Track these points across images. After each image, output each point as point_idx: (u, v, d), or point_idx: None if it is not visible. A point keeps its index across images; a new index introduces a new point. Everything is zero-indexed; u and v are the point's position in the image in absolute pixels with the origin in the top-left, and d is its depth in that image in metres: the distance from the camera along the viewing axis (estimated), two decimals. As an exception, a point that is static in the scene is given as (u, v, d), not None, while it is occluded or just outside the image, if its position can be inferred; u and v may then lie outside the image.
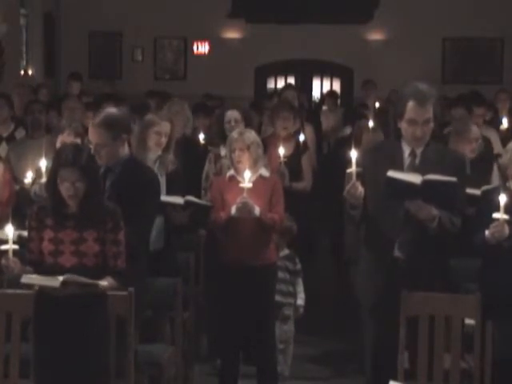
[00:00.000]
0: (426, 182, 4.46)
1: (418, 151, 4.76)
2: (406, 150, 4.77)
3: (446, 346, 4.71)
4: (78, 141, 6.17)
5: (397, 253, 4.71)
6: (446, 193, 4.55)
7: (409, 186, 4.46)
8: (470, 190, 5.51)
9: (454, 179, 4.50)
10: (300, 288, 6.51)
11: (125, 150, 5.17)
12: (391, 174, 4.50)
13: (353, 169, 4.52)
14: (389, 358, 4.78)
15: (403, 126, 4.72)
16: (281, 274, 6.40)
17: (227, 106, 7.09)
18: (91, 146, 5.07)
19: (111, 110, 5.33)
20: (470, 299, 4.75)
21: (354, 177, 4.54)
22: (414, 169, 4.70)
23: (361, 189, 4.58)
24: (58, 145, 6.16)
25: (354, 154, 4.52)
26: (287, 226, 6.48)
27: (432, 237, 4.66)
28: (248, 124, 6.65)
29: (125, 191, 4.89)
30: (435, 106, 4.72)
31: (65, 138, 6.22)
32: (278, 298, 6.36)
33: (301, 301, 6.48)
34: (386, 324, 4.78)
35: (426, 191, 4.48)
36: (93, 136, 5.13)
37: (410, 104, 4.67)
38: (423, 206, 4.55)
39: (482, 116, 8.34)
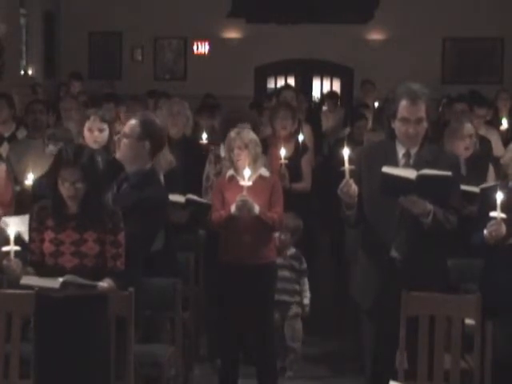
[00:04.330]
0: (420, 177, 4.46)
1: (413, 152, 4.75)
2: (401, 151, 4.77)
3: (446, 346, 4.71)
4: (105, 126, 6.18)
5: (393, 253, 4.71)
6: (440, 188, 4.56)
7: (403, 181, 4.47)
8: (468, 188, 5.53)
9: (448, 173, 4.51)
10: (306, 287, 6.63)
11: (146, 162, 5.17)
12: (386, 169, 4.51)
13: (346, 167, 4.51)
14: (388, 359, 4.79)
15: (396, 125, 4.73)
16: (286, 273, 6.49)
17: (235, 117, 7.01)
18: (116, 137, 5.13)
19: (157, 120, 5.36)
20: (469, 299, 4.74)
21: (347, 175, 4.54)
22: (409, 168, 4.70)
23: (354, 186, 4.57)
24: (86, 132, 6.18)
25: (346, 151, 4.52)
26: (296, 225, 6.54)
27: (429, 237, 4.65)
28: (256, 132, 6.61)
29: (132, 206, 4.90)
30: (428, 106, 4.72)
31: (91, 124, 6.21)
32: (285, 297, 6.47)
33: (307, 300, 6.60)
34: (385, 324, 4.78)
35: (421, 186, 4.48)
36: (127, 125, 5.23)
37: (403, 103, 4.68)
38: (417, 201, 4.55)
39: (484, 117, 8.35)
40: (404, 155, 4.76)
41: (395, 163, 4.72)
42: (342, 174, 4.56)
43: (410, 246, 4.68)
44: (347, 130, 9.62)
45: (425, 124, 4.73)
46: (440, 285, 4.79)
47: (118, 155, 5.20)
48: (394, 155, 4.76)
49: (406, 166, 4.72)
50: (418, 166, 4.62)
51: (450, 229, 4.68)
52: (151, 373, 5.06)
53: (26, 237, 4.85)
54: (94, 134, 6.16)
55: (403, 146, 4.76)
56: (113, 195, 5.04)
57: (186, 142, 7.06)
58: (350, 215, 4.75)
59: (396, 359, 4.77)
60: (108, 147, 6.15)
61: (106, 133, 6.20)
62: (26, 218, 4.98)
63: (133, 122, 5.21)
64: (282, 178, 6.80)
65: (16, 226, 4.75)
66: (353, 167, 4.57)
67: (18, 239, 4.78)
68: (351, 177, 4.55)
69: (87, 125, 6.19)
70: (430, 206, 4.58)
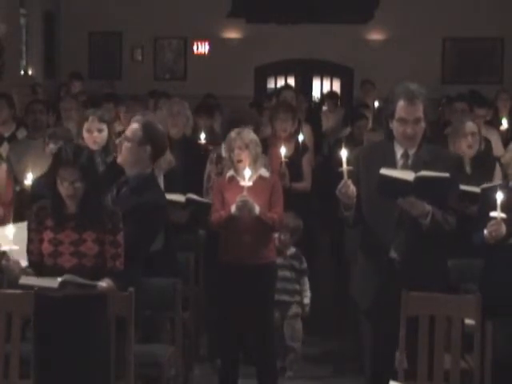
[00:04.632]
0: (418, 179, 4.46)
1: (411, 152, 4.74)
2: (399, 151, 4.76)
3: (446, 346, 4.71)
4: (104, 127, 6.18)
5: (392, 254, 4.71)
6: (438, 189, 4.56)
7: (402, 183, 4.47)
8: (469, 188, 5.53)
9: (446, 175, 4.51)
10: (306, 287, 6.64)
11: (147, 167, 5.17)
12: (384, 171, 4.51)
13: (344, 167, 4.52)
14: (387, 359, 4.79)
15: (394, 125, 4.72)
16: (287, 273, 6.51)
17: (239, 120, 7.03)
18: (118, 140, 5.15)
19: (159, 125, 5.36)
20: (470, 299, 4.74)
21: (345, 175, 4.55)
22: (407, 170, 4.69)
23: (352, 187, 4.57)
24: (85, 133, 6.18)
25: (344, 152, 4.52)
26: (296, 225, 6.55)
27: (427, 237, 4.65)
28: (256, 131, 6.61)
29: (131, 209, 4.91)
30: (426, 106, 4.71)
31: (89, 125, 6.21)
32: (285, 297, 6.48)
33: (307, 300, 6.61)
34: (384, 325, 4.78)
35: (419, 188, 4.48)
36: (129, 129, 5.23)
37: (400, 103, 4.67)
38: (416, 203, 4.55)
39: (484, 117, 8.33)
40: (402, 156, 4.75)
41: (393, 164, 4.71)
42: (341, 175, 4.56)
43: (408, 247, 4.68)
44: (348, 130, 9.62)
45: (423, 124, 4.71)
46: (439, 285, 4.79)
47: (119, 159, 5.20)
48: (392, 156, 4.76)
49: (405, 166, 4.71)
50: (417, 167, 4.61)
51: (449, 230, 4.68)
52: (151, 373, 5.06)
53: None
54: (93, 134, 6.16)
55: (401, 146, 4.75)
56: (112, 198, 5.04)
57: (186, 142, 7.06)
58: (348, 216, 4.75)
59: (395, 359, 4.78)
60: (107, 148, 6.15)
61: (105, 133, 6.19)
62: (22, 228, 4.94)
63: (135, 125, 5.19)
64: (283, 176, 6.80)
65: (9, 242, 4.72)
66: (351, 168, 4.57)
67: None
68: (349, 177, 4.55)
69: (86, 126, 6.19)
70: (428, 208, 4.57)
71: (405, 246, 4.68)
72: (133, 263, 4.78)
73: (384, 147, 4.85)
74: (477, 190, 5.54)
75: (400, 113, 4.67)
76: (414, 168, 4.61)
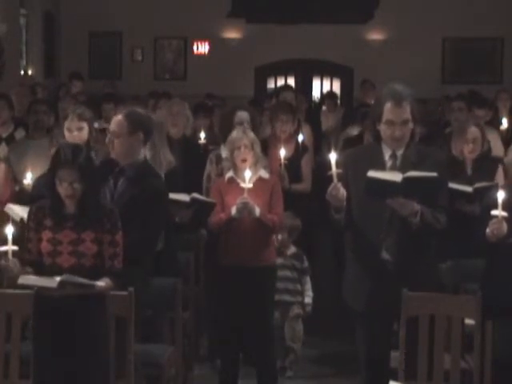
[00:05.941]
0: (406, 180, 4.46)
1: (399, 153, 4.73)
2: (387, 153, 4.75)
3: (446, 346, 4.71)
4: (84, 125, 6.15)
5: (384, 255, 4.70)
6: (427, 189, 4.57)
7: (390, 184, 4.47)
8: (462, 187, 5.55)
9: (434, 174, 4.51)
10: (307, 286, 6.64)
11: (140, 153, 5.19)
12: (371, 173, 4.50)
13: (333, 170, 4.52)
14: (382, 359, 4.79)
15: (382, 127, 4.71)
16: (288, 273, 6.51)
17: (234, 107, 7.04)
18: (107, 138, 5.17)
19: (140, 109, 5.38)
20: (470, 299, 4.74)
21: (334, 178, 4.55)
22: (395, 171, 4.70)
23: (342, 190, 4.57)
24: (66, 132, 6.16)
25: (333, 155, 4.52)
26: (293, 224, 6.55)
27: (418, 237, 4.65)
28: (254, 125, 6.62)
29: (133, 198, 4.91)
30: (413, 107, 4.70)
31: (69, 124, 6.18)
32: (286, 297, 6.48)
33: (308, 299, 6.61)
34: (378, 325, 4.78)
35: (408, 189, 4.48)
36: (112, 123, 5.23)
37: (387, 105, 4.66)
38: (405, 203, 4.55)
39: (483, 118, 8.33)
40: (390, 157, 4.74)
41: (382, 165, 4.71)
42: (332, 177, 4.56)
43: (400, 247, 4.68)
44: (356, 130, 9.56)
45: (410, 125, 4.71)
46: (433, 284, 4.79)
47: (113, 154, 5.20)
48: (380, 157, 4.75)
49: (393, 167, 4.70)
50: (405, 167, 4.61)
51: (440, 228, 4.68)
52: (151, 373, 5.06)
53: None
54: (72, 133, 6.12)
55: (389, 147, 4.75)
56: (110, 191, 5.04)
57: (186, 142, 7.06)
58: (339, 218, 4.74)
59: (391, 359, 4.78)
60: (88, 145, 6.11)
61: (85, 131, 6.13)
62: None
63: (118, 117, 5.21)
64: (282, 178, 6.80)
65: (20, 212, 4.77)
66: (340, 171, 4.58)
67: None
68: (339, 180, 4.56)
69: (66, 124, 6.16)
70: (417, 206, 4.57)
71: (396, 247, 4.68)
72: (136, 260, 4.80)
73: (372, 149, 4.86)
74: (469, 189, 5.58)
75: (387, 115, 4.67)
76: (403, 168, 4.61)
